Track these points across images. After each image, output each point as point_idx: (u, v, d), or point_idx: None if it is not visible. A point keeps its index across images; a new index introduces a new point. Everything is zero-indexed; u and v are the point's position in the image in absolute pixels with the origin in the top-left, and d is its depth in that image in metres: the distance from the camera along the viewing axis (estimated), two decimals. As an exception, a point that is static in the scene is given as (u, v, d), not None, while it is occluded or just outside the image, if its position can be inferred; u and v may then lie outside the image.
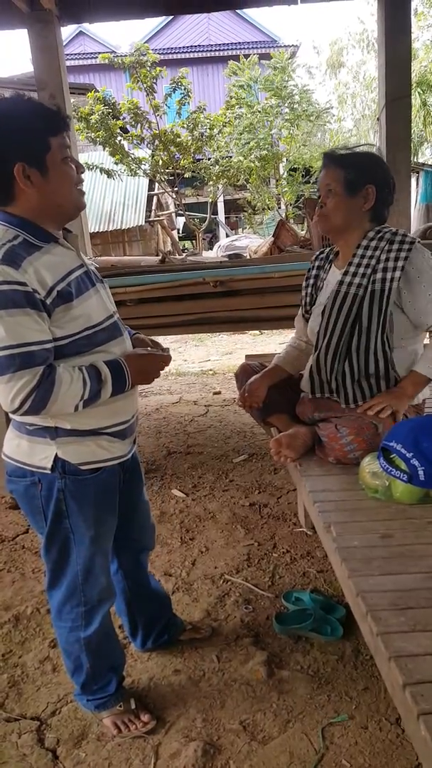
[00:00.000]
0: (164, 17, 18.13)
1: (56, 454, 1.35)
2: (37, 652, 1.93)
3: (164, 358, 1.49)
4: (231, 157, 11.79)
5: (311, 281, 2.01)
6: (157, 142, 11.00)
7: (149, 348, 1.52)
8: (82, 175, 1.36)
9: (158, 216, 12.43)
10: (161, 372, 1.50)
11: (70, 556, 1.45)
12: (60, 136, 1.29)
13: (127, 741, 1.58)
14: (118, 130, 10.82)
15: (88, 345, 1.32)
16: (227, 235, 14.04)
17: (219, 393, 4.99)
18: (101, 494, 1.43)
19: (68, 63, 6.25)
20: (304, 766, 1.46)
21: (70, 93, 5.47)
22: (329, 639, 1.88)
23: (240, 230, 16.35)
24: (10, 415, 1.35)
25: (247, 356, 3.05)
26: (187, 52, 19.82)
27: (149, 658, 1.87)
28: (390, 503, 1.50)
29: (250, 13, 20.42)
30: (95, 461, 1.40)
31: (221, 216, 16.97)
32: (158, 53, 11.40)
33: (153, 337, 1.62)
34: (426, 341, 1.91)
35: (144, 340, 1.59)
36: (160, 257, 4.56)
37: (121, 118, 10.85)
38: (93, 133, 10.56)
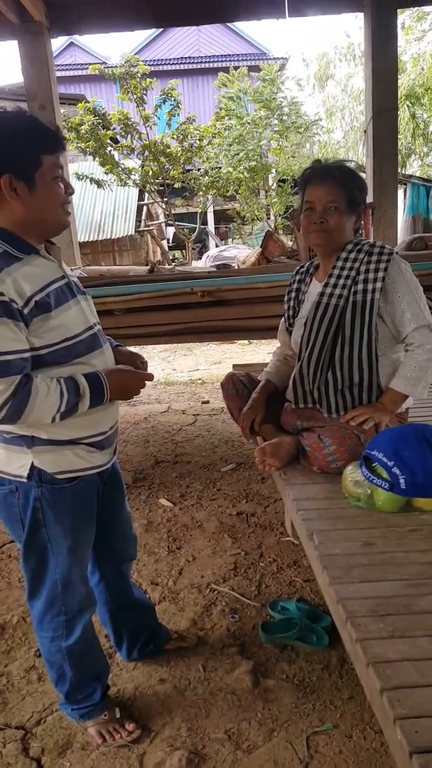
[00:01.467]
0: (155, 29, 18.34)
1: (32, 463, 1.35)
2: (22, 662, 1.93)
3: (145, 376, 1.50)
4: (220, 168, 11.89)
5: (293, 294, 2.05)
6: (147, 152, 11.07)
7: (130, 367, 1.52)
8: (71, 197, 1.38)
9: (148, 226, 12.49)
10: (140, 390, 1.51)
11: (48, 566, 1.45)
12: (54, 155, 1.31)
13: (111, 750, 1.57)
14: (108, 141, 10.89)
15: (67, 356, 1.33)
16: (217, 245, 14.13)
17: (207, 402, 5.00)
18: (79, 504, 1.44)
19: (59, 74, 6.30)
20: (288, 775, 1.47)
21: (61, 103, 5.52)
22: (315, 648, 1.89)
23: (229, 240, 16.46)
24: None
25: (234, 366, 3.08)
26: (177, 63, 20.01)
27: (135, 667, 1.87)
28: (372, 511, 1.52)
29: (240, 25, 20.64)
30: (72, 470, 1.40)
31: (211, 226, 17.07)
32: (148, 64, 11.51)
33: (141, 347, 1.63)
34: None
35: (125, 353, 1.59)
36: (149, 267, 4.59)
37: (112, 128, 10.91)
38: (83, 144, 10.61)
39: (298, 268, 2.08)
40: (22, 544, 1.44)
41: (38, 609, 1.51)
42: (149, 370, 1.61)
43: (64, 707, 1.65)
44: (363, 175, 1.89)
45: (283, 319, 2.11)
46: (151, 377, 1.53)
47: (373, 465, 1.53)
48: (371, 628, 1.06)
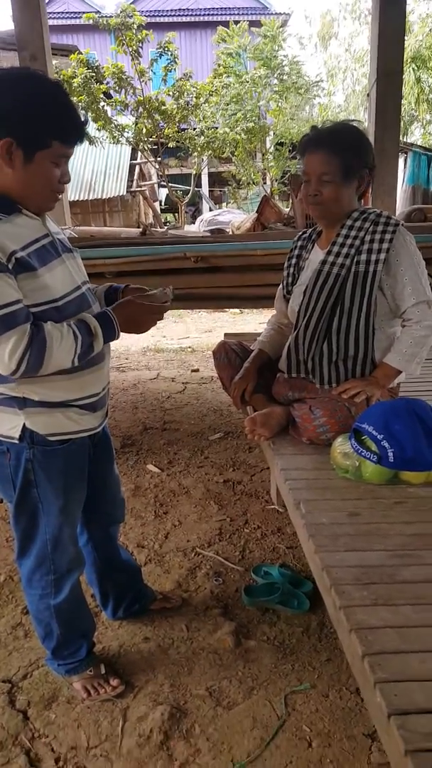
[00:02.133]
0: (153, -23, 17.56)
1: (24, 424, 1.35)
2: (9, 618, 1.96)
3: (154, 308, 1.46)
4: (217, 128, 11.60)
5: (293, 261, 2.00)
6: (141, 109, 10.75)
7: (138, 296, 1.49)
8: (65, 185, 1.33)
9: (140, 186, 12.21)
10: (155, 322, 1.48)
11: (39, 525, 1.46)
12: (65, 145, 1.26)
13: (96, 704, 1.62)
14: (102, 95, 10.55)
15: (55, 316, 1.29)
16: (210, 209, 13.86)
17: (197, 370, 4.99)
18: (70, 465, 1.44)
19: (51, 22, 6.00)
20: (266, 731, 1.52)
21: (53, 54, 5.30)
22: (296, 612, 1.94)
23: (224, 204, 16.15)
24: None
25: (226, 334, 3.06)
26: (174, 15, 19.24)
27: (120, 626, 1.91)
28: (359, 483, 1.54)
29: (242, -23, 19.83)
30: (64, 432, 1.40)
31: (205, 189, 16.73)
32: (145, 15, 11.08)
33: None
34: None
35: (132, 289, 1.55)
36: (140, 229, 4.50)
37: (105, 82, 10.56)
38: (75, 97, 10.25)
39: (300, 233, 2.03)
40: (13, 504, 1.45)
41: (28, 567, 1.52)
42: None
43: (51, 663, 1.69)
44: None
45: (281, 285, 2.07)
46: (161, 309, 1.48)
47: (363, 438, 1.55)
48: (355, 596, 1.08)
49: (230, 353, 2.12)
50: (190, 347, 5.94)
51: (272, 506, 2.64)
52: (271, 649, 1.79)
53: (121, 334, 1.42)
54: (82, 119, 1.28)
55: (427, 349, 1.77)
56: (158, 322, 1.51)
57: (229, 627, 1.87)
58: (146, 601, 1.94)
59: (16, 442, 1.36)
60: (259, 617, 1.94)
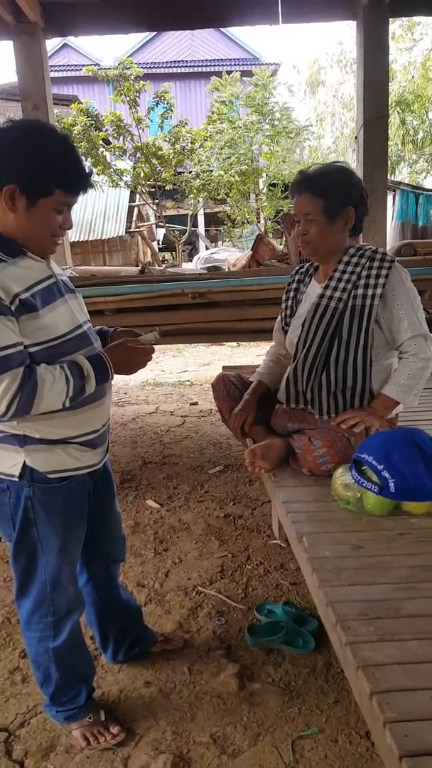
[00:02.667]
0: (149, 32, 18.36)
1: (24, 462, 1.35)
2: (6, 663, 1.90)
3: (146, 350, 1.50)
4: (212, 171, 11.92)
5: (291, 294, 2.04)
6: (139, 154, 11.07)
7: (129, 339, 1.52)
8: (67, 231, 1.36)
9: (139, 227, 12.47)
10: (146, 363, 1.51)
11: (38, 565, 1.44)
12: (68, 195, 1.30)
13: (96, 753, 1.56)
14: (101, 142, 10.87)
15: (55, 355, 1.32)
16: (207, 248, 14.13)
17: (196, 404, 4.99)
18: (70, 503, 1.43)
19: (52, 74, 6.26)
20: (274, 779, 1.46)
21: (54, 104, 5.49)
22: (301, 652, 1.88)
23: (219, 243, 16.47)
24: None
25: (224, 367, 3.08)
26: (170, 66, 20.02)
27: (120, 670, 1.85)
28: (362, 515, 1.52)
29: (233, 31, 20.72)
30: (64, 470, 1.39)
31: (201, 228, 17.08)
32: (142, 67, 11.52)
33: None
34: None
35: (122, 332, 1.59)
36: (139, 268, 4.57)
37: (104, 129, 10.90)
38: (75, 144, 10.57)
39: (298, 267, 2.08)
40: (12, 543, 1.43)
41: (26, 609, 1.49)
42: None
43: (49, 709, 1.63)
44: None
45: (279, 317, 2.11)
46: (150, 351, 1.51)
47: (363, 468, 1.53)
48: (361, 632, 1.06)
49: (229, 385, 2.12)
50: (188, 381, 5.95)
51: (274, 541, 2.60)
52: (277, 692, 1.74)
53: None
54: (87, 170, 1.32)
55: (423, 381, 1.79)
56: (149, 361, 1.54)
57: (233, 669, 1.81)
58: (147, 643, 1.89)
59: (17, 480, 1.35)
60: (264, 658, 1.88)
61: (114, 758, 1.54)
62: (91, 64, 13.24)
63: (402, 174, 16.10)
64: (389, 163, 12.82)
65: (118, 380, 5.85)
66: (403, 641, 1.03)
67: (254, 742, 1.57)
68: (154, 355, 1.57)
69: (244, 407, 2.02)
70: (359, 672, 0.96)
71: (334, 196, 1.75)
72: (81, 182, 1.31)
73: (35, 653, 1.54)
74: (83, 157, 10.13)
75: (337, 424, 1.77)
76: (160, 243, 15.39)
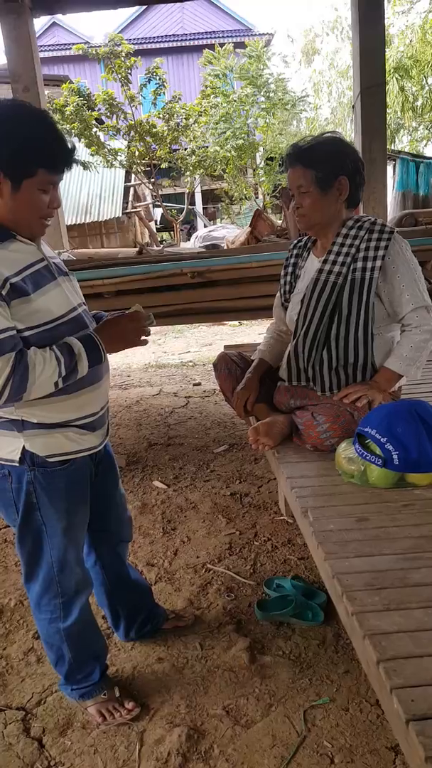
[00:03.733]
0: (138, 7, 17.90)
1: (24, 447, 1.35)
2: (21, 644, 1.94)
3: (135, 317, 1.45)
4: (207, 147, 11.77)
5: (290, 269, 2.02)
6: (132, 132, 10.93)
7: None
8: (54, 211, 1.34)
9: (135, 207, 12.35)
10: (140, 333, 1.46)
11: (43, 548, 1.45)
12: (52, 173, 1.27)
13: (111, 728, 1.59)
14: (94, 122, 10.73)
15: (50, 338, 1.31)
16: (205, 226, 13.99)
17: (199, 384, 4.99)
18: (71, 486, 1.44)
19: (42, 54, 6.14)
20: (286, 748, 1.49)
21: (45, 85, 5.40)
22: (310, 624, 1.90)
23: (218, 220, 16.30)
24: None
25: (226, 346, 3.06)
26: (161, 41, 19.62)
27: (132, 647, 1.88)
28: (366, 488, 1.53)
29: (224, 1, 20.24)
30: (64, 453, 1.39)
31: (199, 206, 16.91)
32: (132, 43, 11.31)
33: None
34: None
35: (117, 315, 1.55)
36: (137, 249, 4.54)
37: (96, 109, 10.75)
38: (68, 125, 10.44)
39: (295, 242, 2.05)
40: (17, 528, 1.44)
41: (35, 591, 1.51)
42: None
43: (64, 688, 1.66)
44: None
45: (278, 294, 2.08)
46: (141, 320, 1.46)
47: (366, 442, 1.53)
48: (366, 602, 1.07)
49: (231, 364, 2.12)
50: (191, 361, 5.95)
51: (281, 517, 2.62)
52: (288, 664, 1.76)
53: (114, 353, 1.43)
54: (69, 146, 1.29)
55: (426, 353, 1.77)
56: (147, 338, 1.50)
57: (244, 643, 1.84)
58: (158, 620, 1.91)
59: (17, 464, 1.36)
60: (274, 631, 1.91)
61: (130, 732, 1.57)
62: (80, 42, 12.98)
63: (402, 142, 15.82)
64: (388, 131, 12.57)
65: (120, 363, 5.86)
66: (409, 610, 1.04)
67: (267, 713, 1.60)
68: (155, 337, 1.55)
69: (246, 386, 2.01)
70: (366, 641, 0.97)
71: (326, 166, 1.72)
72: (64, 159, 1.29)
73: (47, 634, 1.56)
74: (69, 135, 10.06)
75: (339, 399, 1.77)
76: (158, 223, 15.26)
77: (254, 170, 13.07)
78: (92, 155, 11.03)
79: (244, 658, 1.78)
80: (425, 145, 15.88)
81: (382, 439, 1.48)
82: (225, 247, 4.84)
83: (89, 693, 1.62)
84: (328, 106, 16.96)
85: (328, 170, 1.73)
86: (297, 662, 1.77)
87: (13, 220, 1.29)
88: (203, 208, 17.45)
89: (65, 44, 18.58)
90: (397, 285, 1.75)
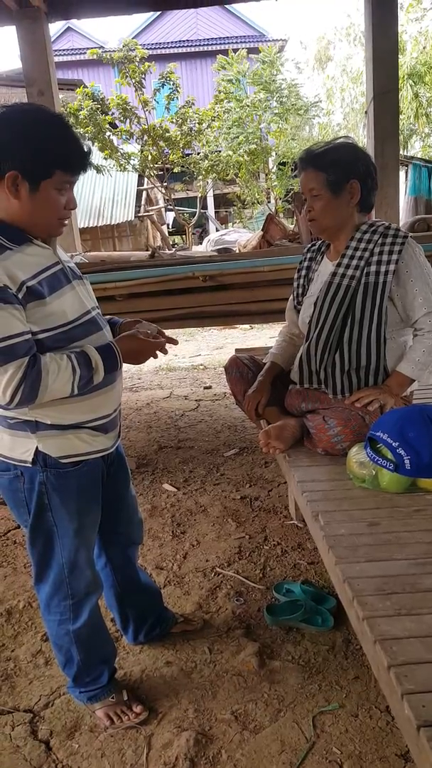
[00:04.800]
0: (152, 12, 18.05)
1: (37, 448, 1.35)
2: (29, 646, 1.94)
3: (155, 344, 1.49)
4: (220, 151, 11.78)
5: (303, 272, 2.02)
6: (146, 137, 10.97)
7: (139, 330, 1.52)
8: (71, 212, 1.36)
9: (148, 211, 12.40)
10: (156, 354, 1.50)
11: (54, 549, 1.46)
12: (68, 174, 1.29)
13: (119, 732, 1.58)
14: (107, 126, 10.79)
15: (64, 340, 1.33)
16: (217, 230, 14.02)
17: (210, 387, 4.99)
18: (83, 487, 1.44)
19: (57, 59, 6.21)
20: (295, 754, 1.47)
21: (59, 89, 5.45)
22: (320, 629, 1.89)
23: (230, 224, 16.33)
24: None
25: (237, 350, 3.06)
26: (175, 47, 19.73)
27: (141, 651, 1.88)
28: (377, 492, 1.52)
29: (238, 7, 20.30)
30: (76, 454, 1.40)
31: (211, 210, 16.95)
32: (147, 48, 11.37)
33: None
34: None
35: (131, 323, 1.58)
36: (149, 252, 4.55)
37: (110, 113, 10.81)
38: (82, 129, 10.50)
39: (309, 246, 2.06)
40: (29, 529, 1.45)
41: (45, 593, 1.51)
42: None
43: (72, 690, 1.66)
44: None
45: (291, 296, 2.09)
46: (161, 344, 1.51)
47: (378, 446, 1.52)
48: (377, 607, 1.06)
49: (242, 368, 2.12)
50: (201, 365, 5.95)
51: (291, 521, 2.60)
52: (297, 669, 1.75)
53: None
54: (85, 149, 1.31)
55: None
56: (162, 353, 1.52)
57: (253, 648, 1.83)
58: (167, 624, 1.91)
59: (30, 465, 1.37)
60: (283, 636, 1.90)
61: (137, 736, 1.57)
62: (95, 47, 13.08)
63: (414, 148, 15.77)
64: (401, 137, 12.53)
65: (131, 366, 5.87)
66: (420, 615, 1.03)
67: (275, 718, 1.59)
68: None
69: (258, 389, 2.01)
70: (377, 645, 0.96)
71: (337, 170, 1.74)
72: (80, 161, 1.30)
73: (56, 636, 1.56)
74: (84, 138, 10.13)
75: (351, 403, 1.76)
76: (170, 226, 15.31)
77: (267, 175, 13.08)
78: (105, 159, 11.10)
79: (253, 663, 1.77)
80: (438, 151, 15.81)
81: (393, 444, 1.47)
82: (237, 251, 4.84)
83: (97, 696, 1.62)
84: (340, 112, 16.97)
85: (340, 174, 1.74)
86: (306, 667, 1.75)
87: (31, 221, 1.30)
88: (215, 212, 17.50)
89: (80, 49, 18.74)
90: (410, 289, 1.75)
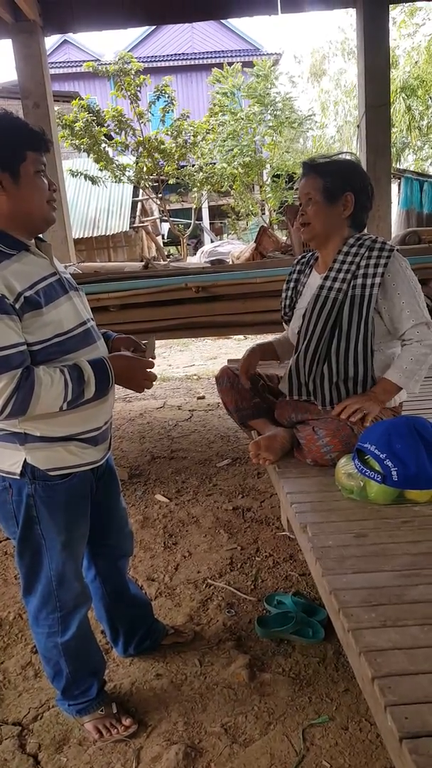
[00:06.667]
0: (148, 26, 18.23)
1: (25, 460, 1.36)
2: (19, 658, 1.93)
3: (147, 363, 1.49)
4: (215, 163, 11.88)
5: (291, 284, 2.05)
6: (141, 149, 11.05)
7: (132, 350, 1.53)
8: (54, 194, 1.38)
9: (143, 222, 12.46)
10: (147, 381, 1.48)
11: (43, 562, 1.45)
12: (38, 153, 1.32)
13: (108, 745, 1.57)
14: (103, 137, 10.86)
15: (58, 352, 1.33)
16: (212, 241, 14.11)
17: (203, 398, 5.00)
18: (72, 500, 1.44)
19: (52, 71, 6.28)
20: (285, 767, 1.47)
21: (55, 101, 5.50)
22: (311, 641, 1.89)
23: (224, 236, 16.43)
24: None
25: (229, 360, 3.08)
26: (170, 60, 19.93)
27: (131, 663, 1.87)
28: (365, 503, 1.52)
29: (233, 22, 20.59)
30: (65, 467, 1.40)
31: (206, 222, 17.05)
32: (142, 61, 11.49)
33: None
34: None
35: (125, 339, 1.60)
36: (143, 263, 4.58)
37: (106, 125, 10.89)
38: (77, 140, 10.59)
39: (299, 258, 2.09)
40: (17, 541, 1.44)
41: (34, 605, 1.51)
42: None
43: (61, 703, 1.65)
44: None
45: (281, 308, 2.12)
46: (151, 364, 1.51)
47: (366, 457, 1.53)
48: (363, 618, 1.06)
49: (233, 378, 2.13)
50: (195, 375, 5.96)
51: (283, 533, 2.61)
52: (287, 682, 1.74)
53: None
54: (38, 129, 1.35)
55: (426, 367, 1.79)
56: (152, 378, 1.50)
57: (243, 660, 1.82)
58: (157, 636, 1.90)
59: (18, 477, 1.37)
60: (274, 648, 1.89)
61: (126, 750, 1.56)
62: (91, 60, 13.22)
63: (407, 161, 15.95)
64: (394, 150, 12.71)
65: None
66: (405, 627, 1.03)
67: (265, 731, 1.58)
68: (160, 350, 1.57)
69: (250, 354, 2.07)
70: (361, 657, 0.97)
71: (335, 179, 1.79)
72: (42, 138, 1.34)
73: (45, 648, 1.56)
74: (81, 151, 10.20)
75: (337, 414, 1.77)
76: (165, 237, 15.39)
77: (261, 187, 13.20)
78: (101, 170, 11.17)
79: (243, 675, 1.77)
80: (430, 164, 16.01)
81: (381, 455, 1.48)
82: (230, 263, 4.87)
83: (86, 709, 1.61)
84: (334, 125, 17.15)
85: (338, 184, 1.79)
86: (297, 680, 1.75)
87: (23, 212, 1.31)
88: (210, 223, 17.59)
89: (76, 61, 18.92)
90: (398, 302, 1.77)
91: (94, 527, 1.57)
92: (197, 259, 9.15)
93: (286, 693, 1.70)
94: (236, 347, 7.38)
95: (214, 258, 5.99)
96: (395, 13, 12.82)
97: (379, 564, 1.24)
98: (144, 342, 1.59)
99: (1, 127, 1.30)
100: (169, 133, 11.24)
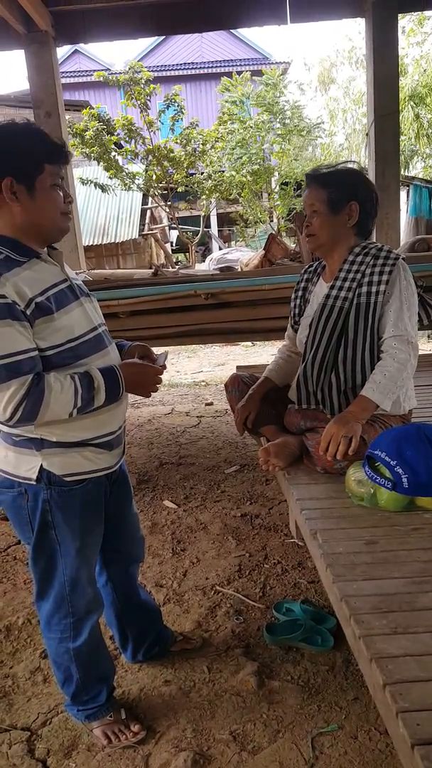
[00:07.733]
0: (158, 36, 18.41)
1: (41, 465, 1.36)
2: (28, 663, 1.93)
3: (157, 370, 1.50)
4: (224, 171, 11.93)
5: (299, 293, 2.06)
6: (150, 157, 11.14)
7: (143, 359, 1.55)
8: (70, 206, 1.40)
9: (152, 229, 12.54)
10: (155, 386, 1.50)
11: (57, 567, 1.46)
12: (56, 165, 1.34)
13: (117, 751, 1.58)
14: (113, 146, 10.96)
15: (71, 357, 1.35)
16: (220, 248, 14.16)
17: (211, 404, 5.01)
18: (87, 505, 1.45)
19: (64, 80, 6.34)
20: (293, 776, 1.46)
21: (66, 110, 5.56)
22: (320, 649, 1.88)
23: (233, 243, 16.48)
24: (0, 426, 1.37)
25: (238, 367, 3.09)
26: (180, 69, 20.09)
27: (140, 669, 1.87)
28: (375, 510, 1.52)
29: (243, 31, 20.73)
30: (81, 473, 1.41)
31: (214, 229, 17.11)
32: (152, 71, 11.59)
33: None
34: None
35: (138, 347, 1.61)
36: (152, 270, 4.61)
37: (116, 134, 10.99)
38: (88, 149, 10.68)
39: (306, 267, 2.10)
40: (31, 546, 1.45)
41: (46, 610, 1.51)
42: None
43: (70, 708, 1.65)
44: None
45: (290, 316, 2.12)
46: (161, 371, 1.52)
47: (376, 464, 1.53)
48: (374, 625, 1.06)
49: (242, 386, 2.13)
50: (203, 381, 5.98)
51: (292, 540, 2.60)
52: (296, 689, 1.74)
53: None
54: (59, 141, 1.37)
55: (399, 383, 1.73)
56: (159, 383, 1.52)
57: (252, 667, 1.82)
58: (166, 642, 1.90)
59: (34, 483, 1.38)
60: (283, 656, 1.89)
61: (135, 756, 1.56)
62: (101, 69, 13.37)
63: (416, 169, 15.93)
64: (402, 158, 12.71)
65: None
66: (416, 633, 1.03)
67: (274, 739, 1.58)
68: (168, 356, 1.58)
69: (247, 402, 2.03)
70: (373, 664, 0.97)
71: (339, 189, 1.79)
72: (61, 151, 1.35)
73: (56, 654, 1.56)
74: (92, 159, 10.28)
75: (327, 452, 1.67)
76: (174, 245, 15.47)
77: (269, 195, 13.24)
78: (110, 178, 11.26)
79: (251, 683, 1.76)
80: (439, 172, 15.98)
81: (391, 462, 1.48)
82: (239, 270, 4.89)
83: (95, 714, 1.61)
84: (343, 133, 17.17)
85: (342, 194, 1.79)
86: (305, 688, 1.75)
87: (37, 222, 1.33)
88: (218, 230, 17.66)
89: (87, 71, 19.14)
90: (387, 310, 1.78)
91: (107, 533, 1.57)
92: (206, 266, 9.18)
93: (295, 701, 1.70)
94: (244, 354, 7.40)
95: (223, 265, 6.02)
96: (404, 21, 12.86)
97: (390, 571, 1.24)
98: (160, 353, 1.61)
99: (22, 139, 1.32)
100: (179, 141, 11.32)
